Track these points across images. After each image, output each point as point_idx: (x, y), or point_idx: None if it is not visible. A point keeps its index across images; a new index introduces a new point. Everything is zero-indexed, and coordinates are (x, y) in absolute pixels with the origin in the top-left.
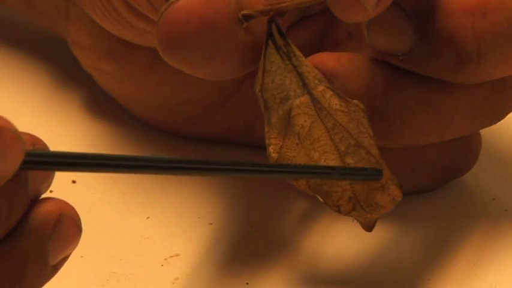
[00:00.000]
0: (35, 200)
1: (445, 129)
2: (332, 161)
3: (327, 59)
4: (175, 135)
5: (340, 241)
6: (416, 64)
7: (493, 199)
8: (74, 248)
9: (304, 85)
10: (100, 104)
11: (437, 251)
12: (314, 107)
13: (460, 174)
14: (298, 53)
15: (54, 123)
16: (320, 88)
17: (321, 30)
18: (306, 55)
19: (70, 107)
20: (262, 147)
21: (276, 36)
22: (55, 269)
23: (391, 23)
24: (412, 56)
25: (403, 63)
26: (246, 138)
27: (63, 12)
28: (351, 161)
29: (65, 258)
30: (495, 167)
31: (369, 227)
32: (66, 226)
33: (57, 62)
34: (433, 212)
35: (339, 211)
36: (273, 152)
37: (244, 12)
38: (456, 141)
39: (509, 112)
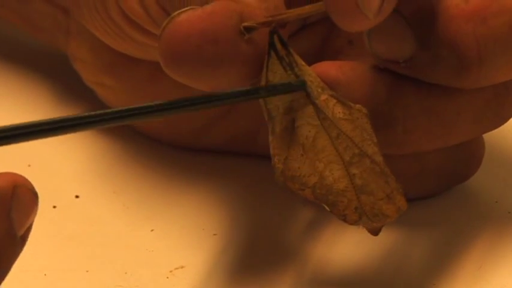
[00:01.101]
0: None
1: (449, 135)
2: (337, 171)
3: (329, 67)
4: (177, 147)
5: (346, 249)
6: (418, 71)
7: (496, 202)
8: (35, 215)
9: (307, 95)
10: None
11: (442, 255)
12: (318, 117)
13: (463, 179)
14: (300, 62)
15: (55, 138)
16: (323, 97)
17: (321, 39)
18: (307, 64)
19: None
20: (265, 157)
21: (278, 46)
22: (23, 239)
23: (391, 31)
24: (413, 63)
25: (404, 70)
26: (249, 149)
27: (64, 28)
28: (355, 171)
29: (29, 228)
30: (498, 170)
31: (375, 232)
32: (23, 195)
33: (57, 76)
34: (437, 216)
35: (345, 220)
36: (277, 162)
37: (246, 24)
38: (459, 146)
39: (511, 116)
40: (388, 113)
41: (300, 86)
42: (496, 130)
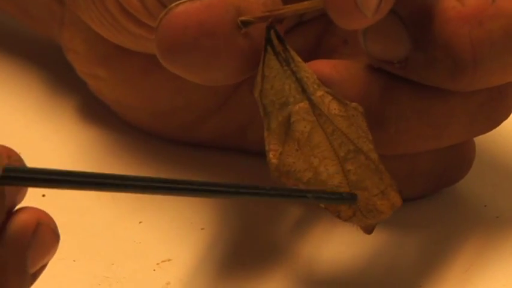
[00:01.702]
0: (11, 211)
1: (441, 136)
2: (332, 166)
3: (323, 66)
4: (168, 140)
5: (334, 247)
6: (413, 72)
7: (485, 206)
8: (53, 256)
9: (303, 91)
10: (94, 110)
11: (429, 257)
12: (313, 113)
13: (453, 181)
14: (297, 58)
15: (47, 129)
16: (319, 93)
17: (316, 37)
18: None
19: (63, 113)
20: (255, 153)
21: (275, 42)
22: (34, 277)
23: (387, 31)
24: (408, 64)
25: (399, 71)
26: (239, 144)
27: (58, 18)
28: (350, 167)
29: (44, 266)
30: (487, 174)
31: (368, 230)
32: (43, 234)
33: (51, 67)
34: (426, 219)
35: (339, 217)
36: (272, 157)
37: (243, 18)
38: (451, 148)
39: (505, 119)
40: (381, 113)
41: (351, 200)
42: (486, 134)
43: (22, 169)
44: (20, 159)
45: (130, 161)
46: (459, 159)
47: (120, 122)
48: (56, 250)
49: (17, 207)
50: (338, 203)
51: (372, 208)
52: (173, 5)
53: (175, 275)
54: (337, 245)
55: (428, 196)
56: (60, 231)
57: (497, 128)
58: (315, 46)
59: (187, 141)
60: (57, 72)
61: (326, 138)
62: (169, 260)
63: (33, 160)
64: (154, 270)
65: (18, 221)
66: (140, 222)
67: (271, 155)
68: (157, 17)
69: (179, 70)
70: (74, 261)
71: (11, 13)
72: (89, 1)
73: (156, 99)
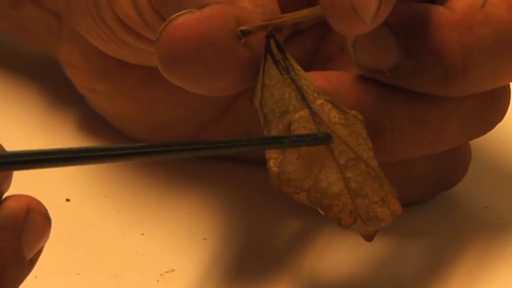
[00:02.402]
0: (0, 200)
1: (436, 142)
2: (332, 174)
3: (315, 77)
4: None
5: (337, 257)
6: (403, 80)
7: (485, 208)
8: (46, 240)
9: (303, 99)
10: (93, 124)
11: (431, 261)
12: (313, 121)
13: (450, 185)
14: (296, 66)
15: (46, 143)
16: (319, 101)
17: (312, 45)
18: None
19: (62, 127)
20: (255, 162)
21: (275, 50)
22: (32, 263)
23: (376, 40)
24: (398, 72)
25: (389, 79)
26: (239, 154)
27: (55, 33)
28: (350, 175)
29: (39, 252)
30: (486, 175)
31: (369, 238)
32: (35, 219)
33: (50, 82)
34: (426, 223)
35: (339, 224)
36: (273, 166)
37: (243, 28)
38: (446, 153)
39: (498, 122)
40: (376, 122)
41: (326, 139)
42: (484, 136)
43: (4, 155)
44: (1, 147)
45: (131, 172)
46: (455, 163)
47: (119, 136)
48: (48, 234)
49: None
50: (314, 144)
51: (372, 215)
52: (173, 16)
53: (179, 285)
54: (340, 255)
55: (426, 200)
56: (62, 245)
57: (495, 130)
58: (312, 55)
59: None
60: (56, 87)
61: (326, 147)
62: (172, 270)
63: (32, 173)
64: (158, 281)
65: (8, 207)
66: (142, 234)
67: (271, 163)
68: (155, 29)
69: (180, 81)
70: (78, 274)
71: (8, 29)
72: (86, 14)
73: (155, 112)
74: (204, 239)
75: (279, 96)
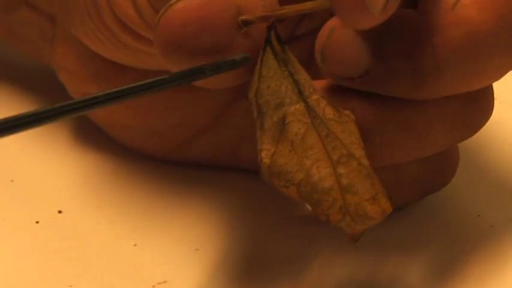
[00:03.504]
0: None
1: (424, 146)
2: (324, 169)
3: None
4: (160, 160)
5: (335, 269)
6: (374, 85)
7: (479, 216)
8: None
9: (300, 93)
10: (88, 134)
11: (425, 270)
12: (309, 115)
13: (439, 188)
14: (294, 60)
15: (42, 153)
16: (315, 97)
17: (309, 50)
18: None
19: (57, 136)
20: (247, 171)
21: (274, 42)
22: None
23: (346, 46)
24: (369, 77)
25: (360, 86)
26: (231, 162)
27: (49, 37)
28: (342, 171)
29: None
30: (480, 183)
31: (354, 238)
32: None
33: (43, 91)
34: (420, 231)
35: (327, 220)
36: (265, 157)
37: (244, 17)
38: (435, 156)
39: (483, 125)
40: (364, 127)
41: (243, 61)
42: (475, 142)
43: None
44: None
45: (123, 182)
46: (443, 165)
47: (111, 143)
48: None
49: None
50: (233, 68)
51: (362, 213)
52: (172, 1)
53: None
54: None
55: (414, 203)
56: (54, 256)
57: (486, 136)
58: (308, 59)
59: (180, 161)
60: (50, 96)
61: (320, 141)
62: (165, 281)
63: (25, 185)
64: None
65: None
66: (135, 245)
67: (263, 155)
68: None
69: (178, 66)
70: (70, 286)
71: (1, 36)
72: (85, 15)
73: (149, 118)
74: (197, 249)
75: (275, 88)
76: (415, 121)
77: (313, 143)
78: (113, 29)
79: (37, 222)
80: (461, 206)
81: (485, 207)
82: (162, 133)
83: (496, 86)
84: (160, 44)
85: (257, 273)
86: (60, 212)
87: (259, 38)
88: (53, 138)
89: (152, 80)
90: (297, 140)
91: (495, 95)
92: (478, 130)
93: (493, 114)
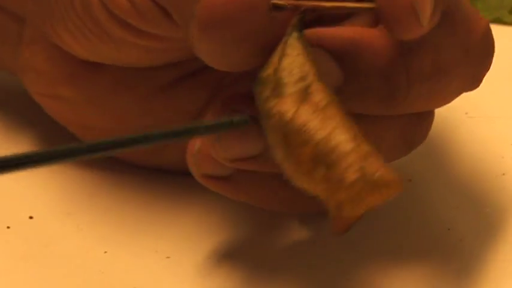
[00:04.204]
0: None
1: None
2: (345, 134)
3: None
4: (132, 165)
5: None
6: (345, 103)
7: (448, 229)
8: None
9: (319, 76)
10: (58, 138)
11: (393, 282)
12: (330, 92)
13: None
14: (313, 51)
15: None
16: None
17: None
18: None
19: (27, 141)
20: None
21: (301, 30)
22: None
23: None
24: (339, 95)
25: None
26: None
27: (14, 38)
28: (363, 140)
29: None
30: (449, 197)
31: (343, 228)
32: None
33: None
34: (390, 243)
35: (342, 179)
36: (287, 112)
37: (276, 1)
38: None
39: (419, 144)
40: None
41: (241, 123)
42: (448, 157)
43: None
44: None
45: (94, 189)
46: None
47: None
48: None
49: None
50: (231, 129)
51: (378, 179)
52: None
53: None
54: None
55: (385, 218)
56: (25, 262)
57: (460, 152)
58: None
59: (153, 166)
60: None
61: (341, 114)
62: None
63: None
64: None
65: None
66: (105, 252)
67: (284, 111)
68: (146, 17)
69: (215, 44)
70: None
71: None
72: (69, 8)
73: (122, 121)
74: (167, 257)
75: (301, 63)
76: (370, 133)
77: (334, 113)
78: (99, 18)
79: (8, 227)
80: (431, 220)
81: (455, 221)
82: None
83: (466, 101)
84: (200, 19)
85: (231, 281)
86: (31, 217)
87: (282, 27)
88: (23, 143)
89: (143, 133)
90: (319, 107)
91: (465, 110)
92: (411, 151)
93: (463, 129)
